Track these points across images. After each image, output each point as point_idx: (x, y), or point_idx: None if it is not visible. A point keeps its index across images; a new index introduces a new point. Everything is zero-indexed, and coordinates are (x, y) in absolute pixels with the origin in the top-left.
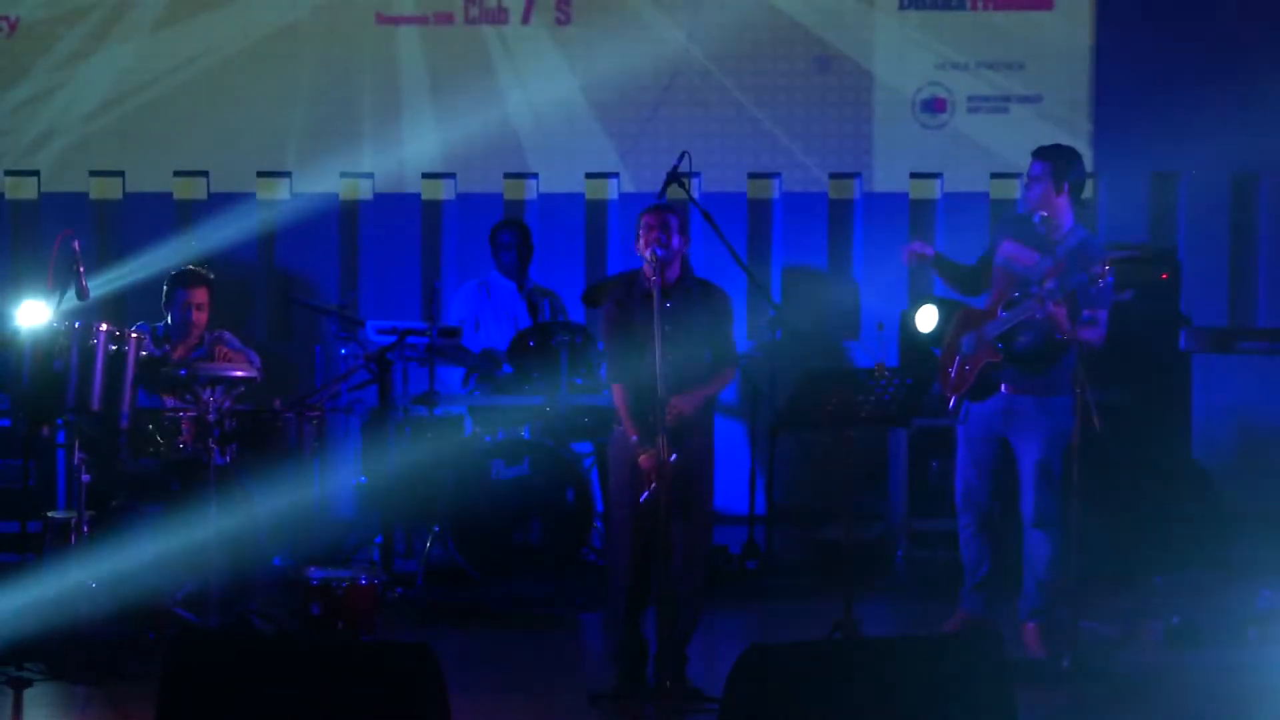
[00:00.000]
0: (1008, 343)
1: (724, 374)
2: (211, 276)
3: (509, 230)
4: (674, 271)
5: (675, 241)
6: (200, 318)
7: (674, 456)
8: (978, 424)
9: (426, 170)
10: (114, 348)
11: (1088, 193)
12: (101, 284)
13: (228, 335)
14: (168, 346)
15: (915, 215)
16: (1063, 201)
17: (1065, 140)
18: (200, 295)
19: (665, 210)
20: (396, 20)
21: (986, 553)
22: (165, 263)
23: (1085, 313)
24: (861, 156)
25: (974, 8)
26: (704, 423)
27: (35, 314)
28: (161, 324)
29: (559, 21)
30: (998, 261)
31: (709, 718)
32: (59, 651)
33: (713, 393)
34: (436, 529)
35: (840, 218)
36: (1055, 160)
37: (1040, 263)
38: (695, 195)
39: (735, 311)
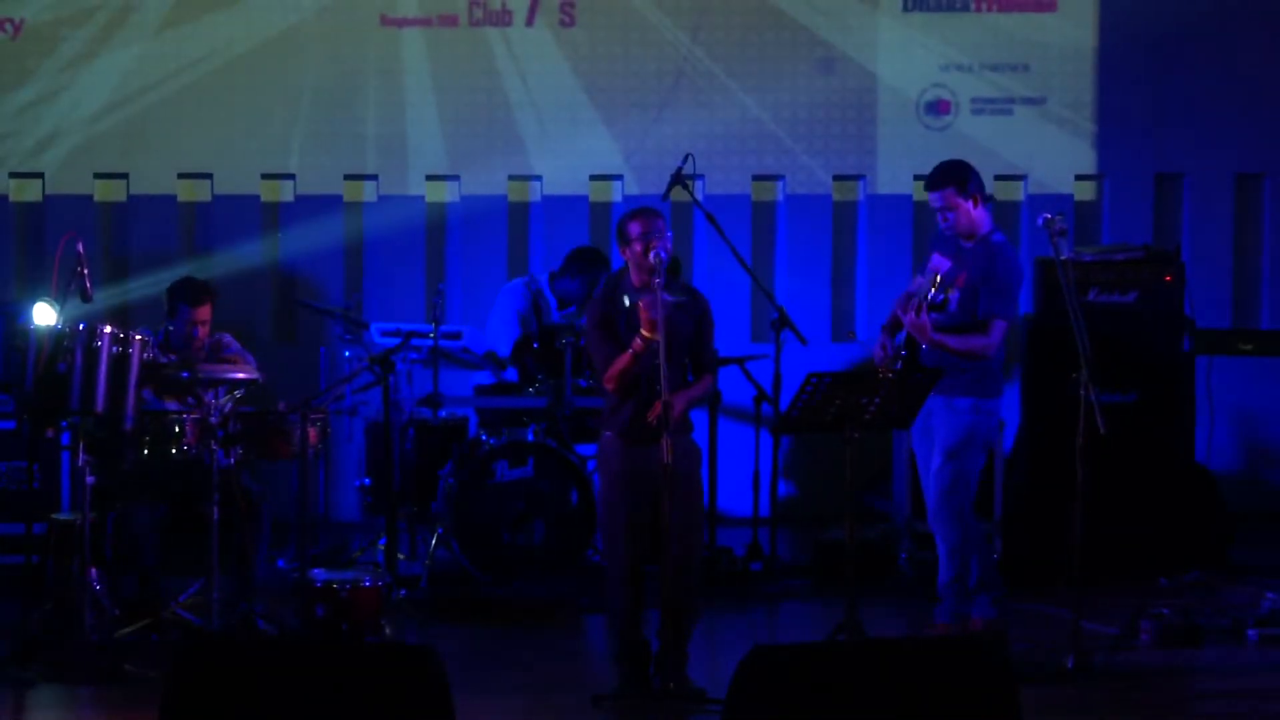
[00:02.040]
0: (913, 350)
1: (706, 380)
2: (215, 290)
3: (583, 268)
4: (661, 275)
5: (670, 243)
6: (203, 333)
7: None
8: (918, 434)
9: (430, 172)
10: (118, 350)
11: (1091, 194)
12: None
13: (227, 338)
14: (172, 356)
15: (919, 217)
16: (980, 212)
17: (1068, 141)
18: (205, 313)
19: (656, 214)
20: (400, 22)
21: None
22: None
23: (982, 309)
24: (865, 158)
25: (977, 9)
26: (689, 425)
27: (47, 317)
28: (163, 330)
29: (563, 23)
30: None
31: (712, 719)
32: (61, 653)
33: (698, 395)
34: (440, 531)
35: (844, 220)
36: (953, 180)
37: (952, 268)
38: (699, 197)
39: (740, 314)
